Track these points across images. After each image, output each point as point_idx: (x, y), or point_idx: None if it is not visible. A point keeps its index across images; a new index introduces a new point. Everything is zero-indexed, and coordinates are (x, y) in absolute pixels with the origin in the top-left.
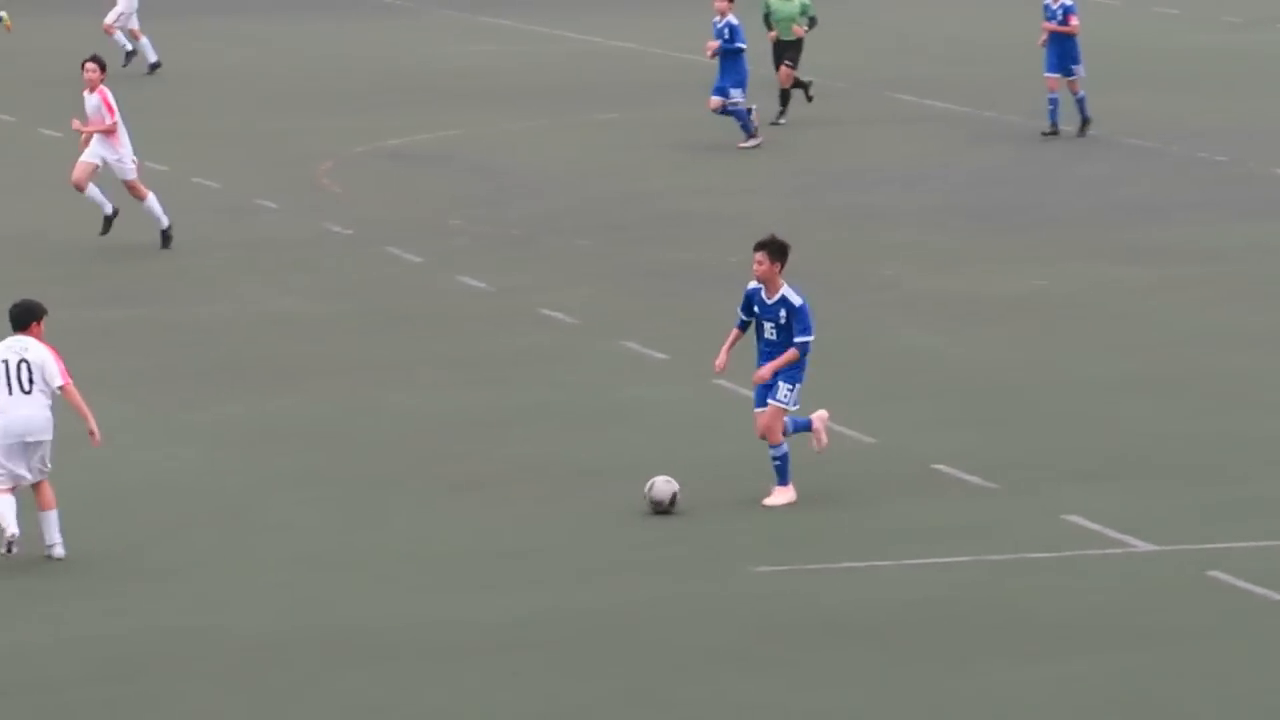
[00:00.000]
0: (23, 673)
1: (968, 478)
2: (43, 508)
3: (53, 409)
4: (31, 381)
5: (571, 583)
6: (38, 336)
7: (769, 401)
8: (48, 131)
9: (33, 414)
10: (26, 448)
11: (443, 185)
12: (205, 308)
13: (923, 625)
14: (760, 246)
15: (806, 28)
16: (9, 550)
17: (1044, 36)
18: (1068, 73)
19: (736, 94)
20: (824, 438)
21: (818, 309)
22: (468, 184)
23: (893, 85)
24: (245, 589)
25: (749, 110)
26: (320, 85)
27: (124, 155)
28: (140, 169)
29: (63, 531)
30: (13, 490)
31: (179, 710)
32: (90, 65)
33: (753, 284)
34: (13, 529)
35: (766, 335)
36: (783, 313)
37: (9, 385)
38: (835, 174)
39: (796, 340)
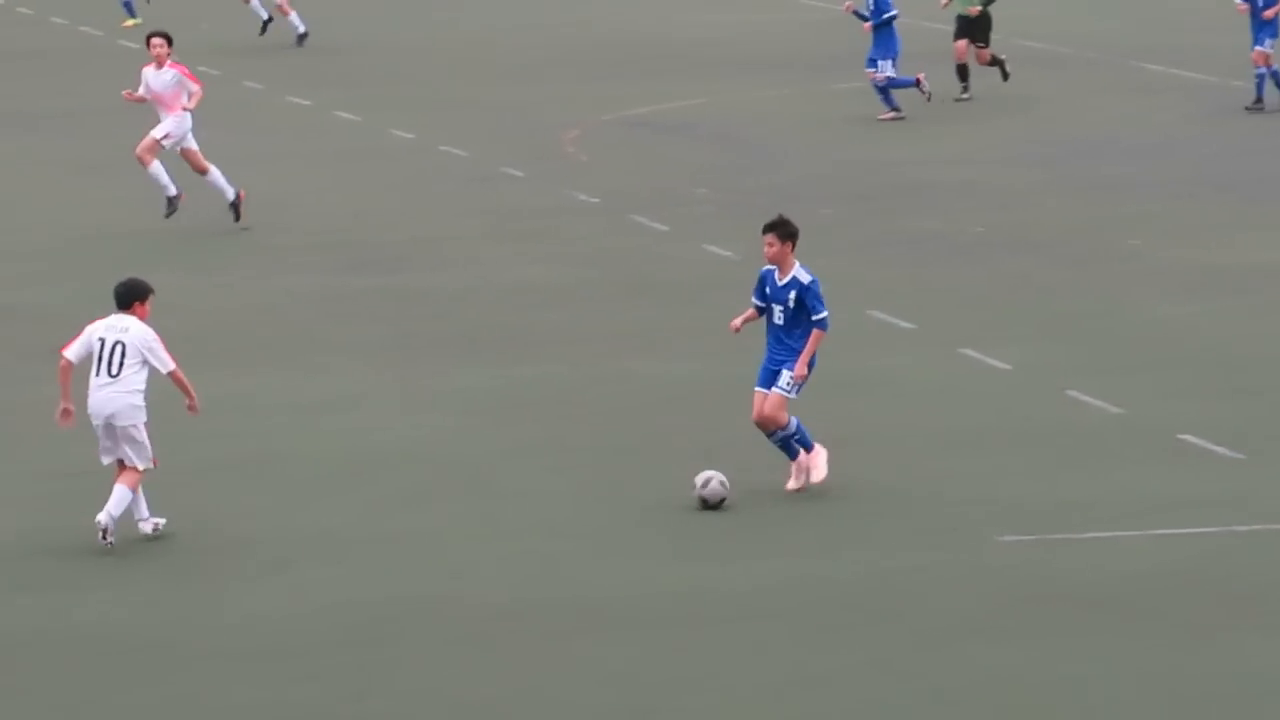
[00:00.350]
0: (268, 639)
1: (1215, 448)
2: (116, 480)
3: (144, 395)
4: (121, 365)
5: (814, 552)
6: (141, 317)
7: (772, 389)
8: (295, 99)
9: (114, 397)
10: (113, 430)
11: (688, 154)
12: (451, 276)
13: (1168, 597)
14: (769, 228)
15: (981, 6)
16: (104, 539)
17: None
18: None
19: (886, 66)
20: (822, 469)
21: (1062, 280)
22: (713, 152)
23: (1141, 55)
24: (488, 556)
25: (915, 79)
26: (565, 55)
27: (185, 124)
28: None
29: (120, 518)
30: (123, 475)
31: (423, 676)
32: (157, 40)
33: (767, 265)
34: (143, 511)
35: (775, 320)
36: (793, 294)
37: (98, 366)
38: (1081, 144)
39: (814, 319)
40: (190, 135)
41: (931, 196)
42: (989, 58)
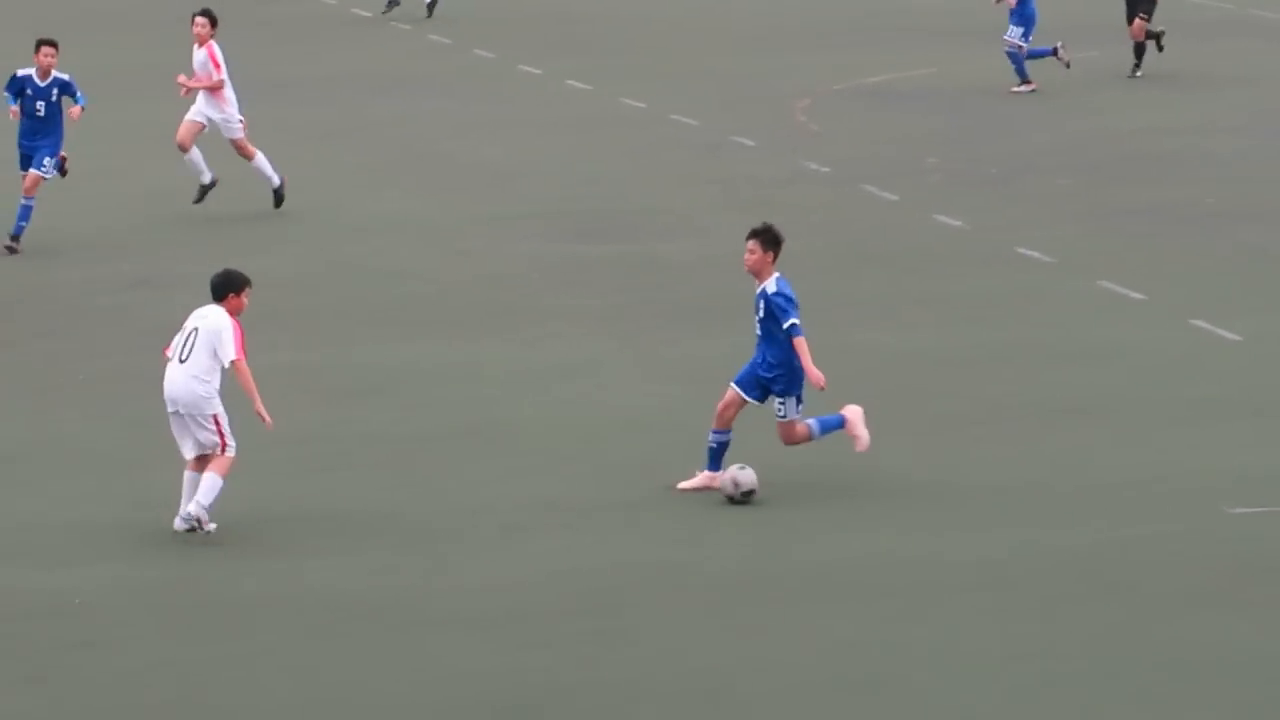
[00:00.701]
0: (501, 606)
1: None
2: (193, 469)
3: (214, 386)
4: (191, 351)
5: (1045, 521)
6: (233, 309)
7: (777, 422)
8: (527, 68)
9: (178, 382)
10: (180, 419)
11: (920, 123)
12: (681, 244)
13: None
14: (753, 235)
15: None
16: (194, 530)
17: None
18: None
19: (1015, 35)
20: (862, 434)
21: None
22: (944, 122)
23: None
24: (721, 524)
25: (1053, 49)
26: (799, 24)
27: (230, 114)
28: (246, 127)
29: (209, 510)
30: (200, 463)
31: (659, 643)
32: (200, 20)
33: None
34: (191, 507)
35: (755, 327)
36: (763, 303)
37: (175, 352)
38: None
39: (785, 328)
40: (236, 123)
41: (1164, 167)
42: (1145, 31)
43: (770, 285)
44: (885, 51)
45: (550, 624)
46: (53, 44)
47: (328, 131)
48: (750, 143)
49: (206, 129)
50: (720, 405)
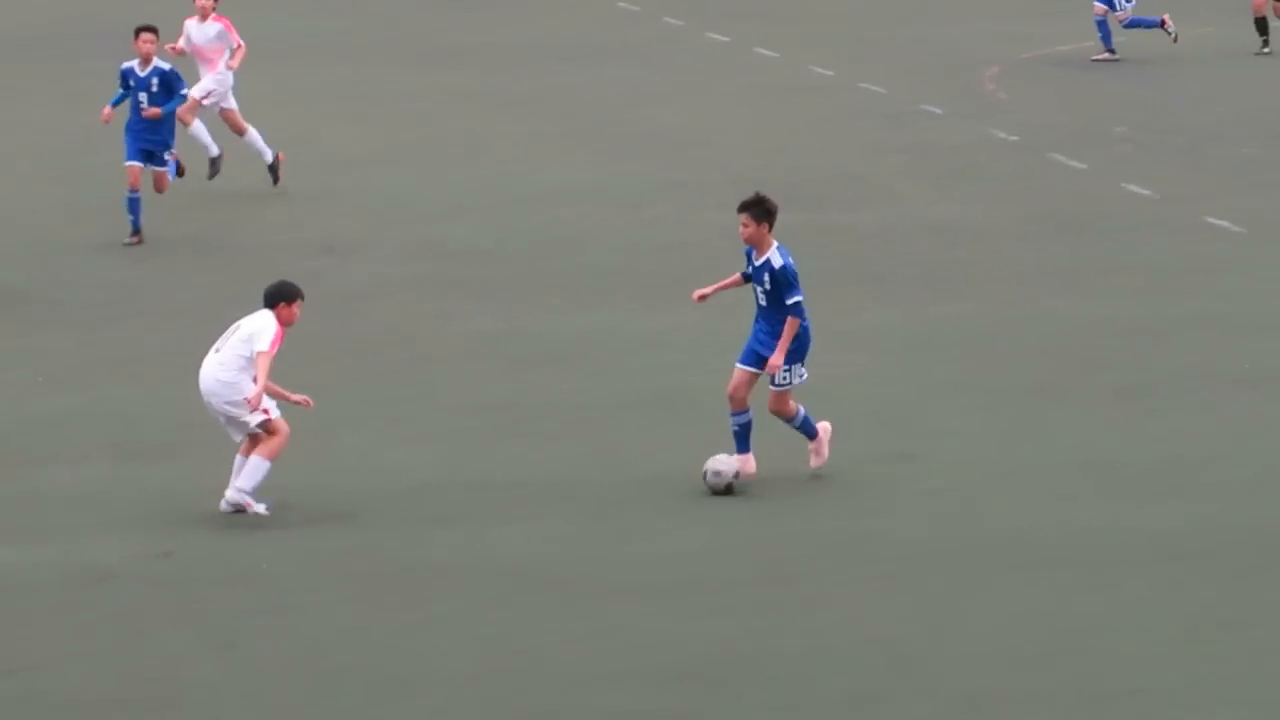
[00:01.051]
0: (684, 574)
1: None
2: (243, 452)
3: (243, 375)
4: (227, 344)
5: (1235, 493)
6: (282, 319)
7: (770, 388)
8: (714, 35)
9: (207, 372)
10: (213, 409)
11: (1108, 92)
12: (868, 213)
13: None
14: (744, 207)
15: None
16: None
17: None
18: None
19: (1100, 5)
20: (824, 453)
21: None
22: (1134, 91)
23: None
24: (905, 495)
25: (1160, 20)
26: None
27: (226, 82)
28: (197, 106)
29: (259, 492)
30: (251, 445)
31: (838, 612)
32: None
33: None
34: (230, 493)
35: (758, 299)
36: (767, 276)
37: (216, 344)
38: None
39: (787, 305)
40: (231, 94)
41: None
42: (1267, 6)
43: (775, 258)
44: (1074, 20)
45: (729, 593)
46: (152, 30)
47: (513, 99)
48: (938, 111)
49: (207, 105)
50: (730, 388)
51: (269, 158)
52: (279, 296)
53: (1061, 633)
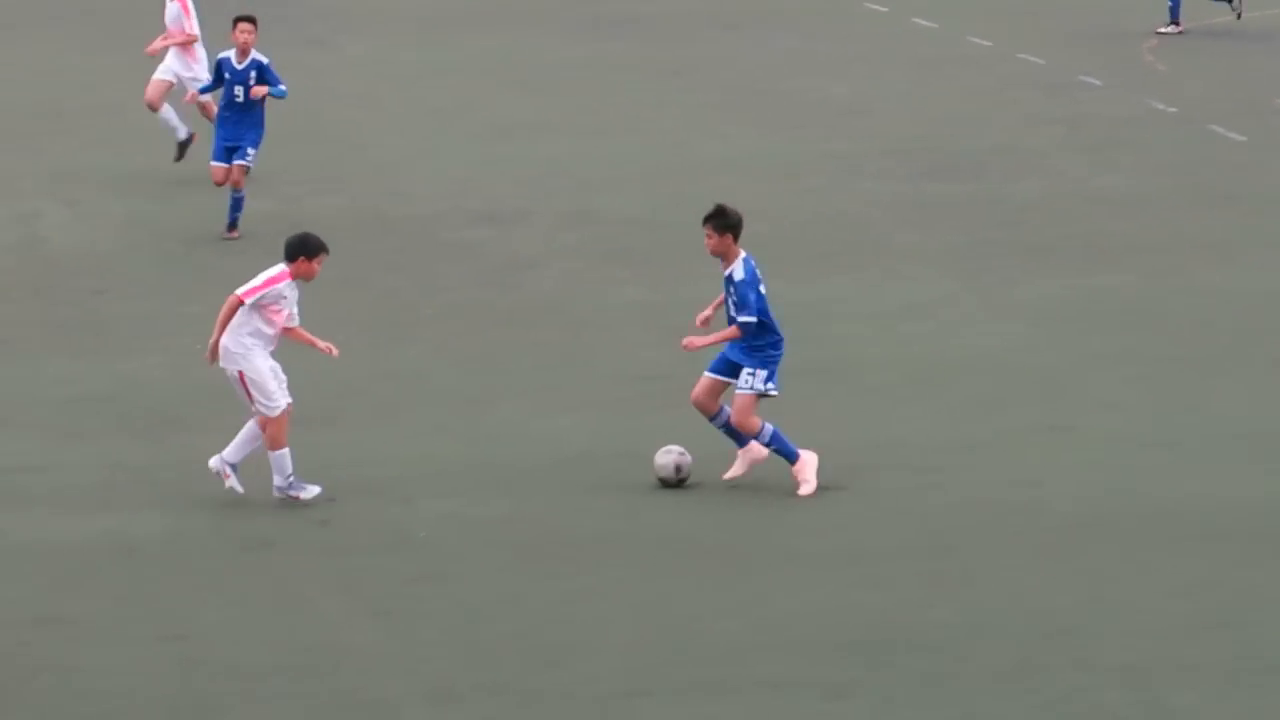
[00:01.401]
0: (839, 545)
1: None
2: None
3: (246, 343)
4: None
5: None
6: (299, 273)
7: (736, 393)
8: (873, 6)
9: (221, 340)
10: (228, 376)
11: (1270, 64)
12: (1026, 184)
13: None
14: (705, 220)
15: None
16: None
17: None
18: None
19: None
20: (810, 480)
21: None
22: None
23: None
24: (1063, 466)
25: None
26: None
27: (198, 71)
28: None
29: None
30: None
31: (993, 585)
32: None
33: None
34: (215, 464)
35: (728, 310)
36: (732, 288)
37: None
38: None
39: (739, 321)
40: (200, 79)
41: None
42: None
43: (737, 270)
44: None
45: (887, 563)
46: (251, 20)
47: (673, 69)
48: (1097, 82)
49: (175, 86)
50: (693, 395)
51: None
52: (300, 249)
53: (1219, 606)
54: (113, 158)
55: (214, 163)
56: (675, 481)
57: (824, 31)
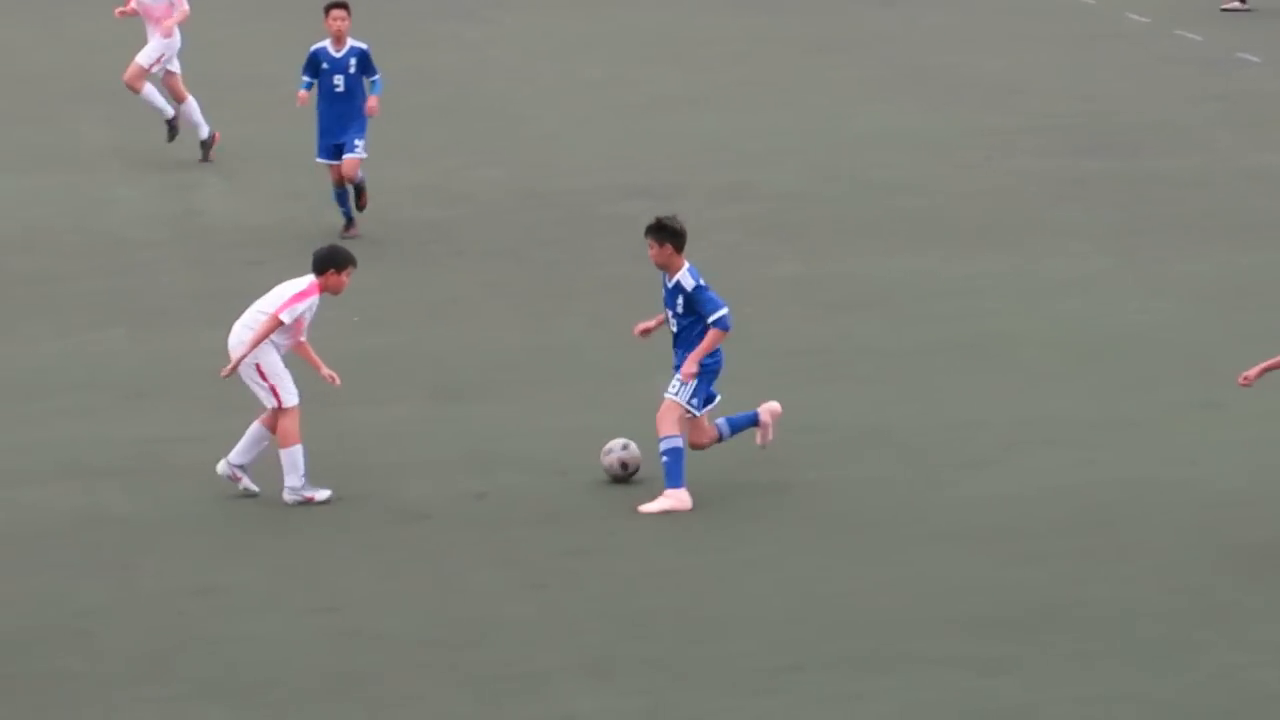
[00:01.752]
0: (992, 521)
1: None
2: (262, 421)
3: (265, 344)
4: (261, 299)
5: None
6: (327, 286)
7: (664, 395)
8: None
9: (232, 333)
10: (243, 377)
11: None
12: (1183, 160)
13: None
14: (647, 231)
15: None
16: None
17: None
18: None
19: None
20: (770, 434)
21: None
22: None
23: None
24: (1216, 443)
25: None
26: None
27: (174, 45)
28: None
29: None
30: (270, 419)
31: (1148, 564)
32: None
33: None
34: (223, 469)
35: (671, 325)
36: (680, 299)
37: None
38: None
39: (710, 321)
40: (176, 58)
41: None
42: None
43: (686, 280)
44: None
45: (1043, 540)
46: (344, 6)
47: (828, 44)
48: (1255, 59)
49: (154, 71)
50: (690, 444)
51: (204, 133)
52: (329, 262)
53: None
54: (267, 130)
55: (321, 160)
56: (625, 477)
57: (980, 6)
